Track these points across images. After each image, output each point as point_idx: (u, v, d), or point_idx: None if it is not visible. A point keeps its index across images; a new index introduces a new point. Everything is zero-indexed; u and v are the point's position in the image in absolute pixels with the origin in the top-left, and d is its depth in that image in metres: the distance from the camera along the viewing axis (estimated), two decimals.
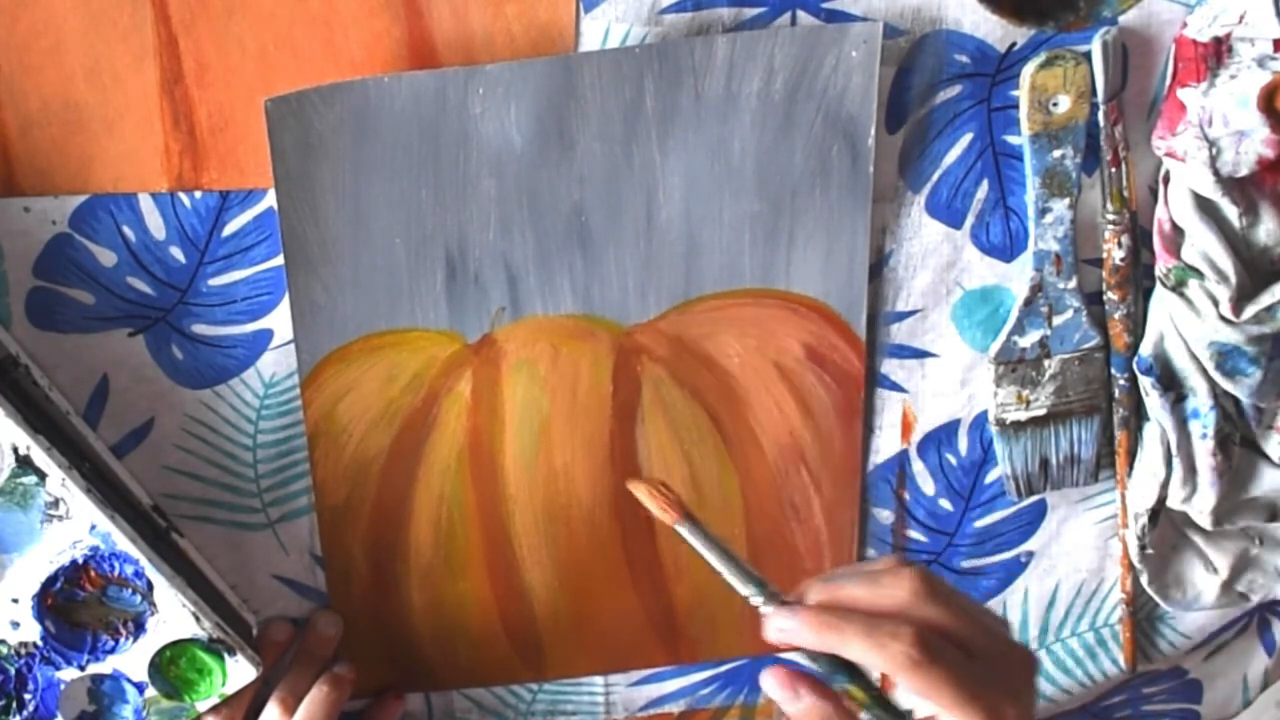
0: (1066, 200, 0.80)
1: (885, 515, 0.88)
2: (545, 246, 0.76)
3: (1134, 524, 0.88)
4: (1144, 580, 0.90)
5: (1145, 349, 0.83)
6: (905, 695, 0.65)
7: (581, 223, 0.76)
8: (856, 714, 0.65)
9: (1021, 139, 0.79)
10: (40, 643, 0.76)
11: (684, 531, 0.69)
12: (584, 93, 0.72)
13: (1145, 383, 0.83)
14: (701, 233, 0.77)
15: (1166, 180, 0.80)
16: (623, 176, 0.75)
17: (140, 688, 0.78)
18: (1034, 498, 0.89)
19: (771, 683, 0.66)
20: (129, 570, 0.76)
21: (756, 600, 0.66)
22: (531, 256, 0.76)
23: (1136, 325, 0.84)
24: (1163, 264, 0.81)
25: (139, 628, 0.77)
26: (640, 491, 0.72)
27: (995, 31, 0.76)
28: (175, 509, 0.80)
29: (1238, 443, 0.86)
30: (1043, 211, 0.80)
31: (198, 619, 0.77)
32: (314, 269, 0.74)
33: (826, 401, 0.83)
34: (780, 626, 0.65)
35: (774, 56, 0.73)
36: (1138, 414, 0.86)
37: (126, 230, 0.73)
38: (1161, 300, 0.82)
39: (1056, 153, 0.79)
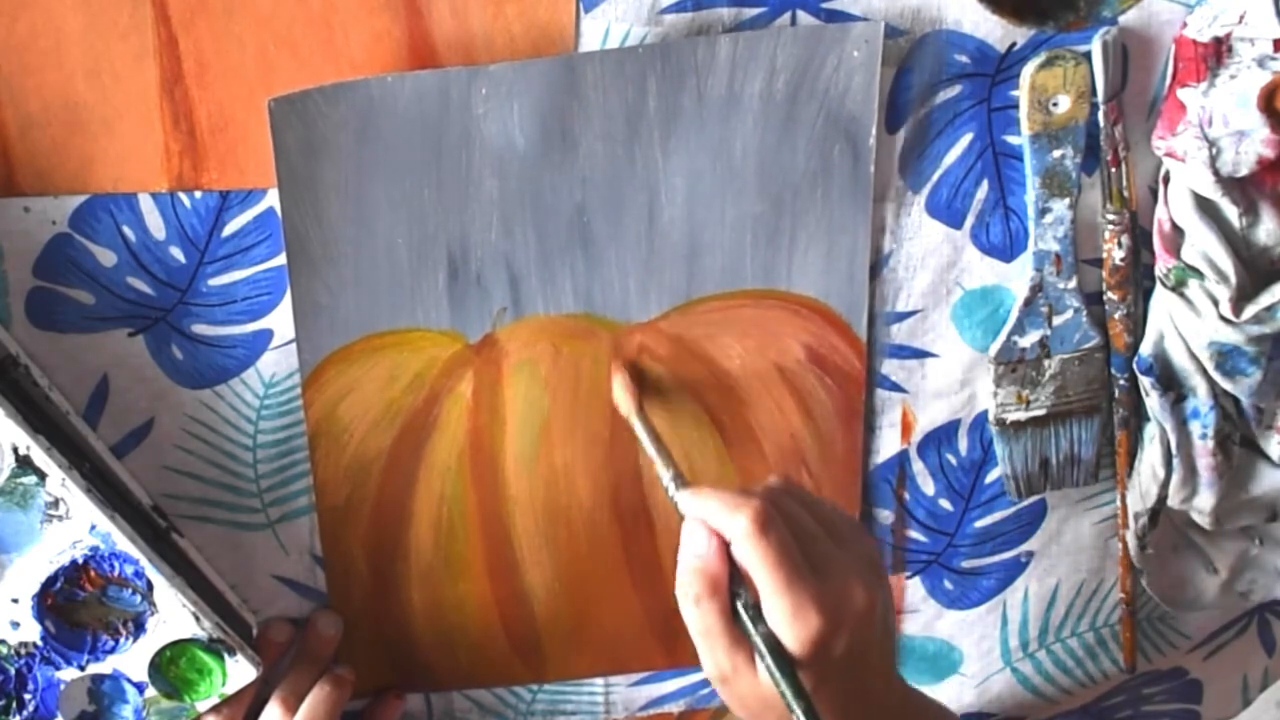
0: (1066, 200, 0.80)
1: (885, 515, 0.88)
2: (547, 247, 0.76)
3: (1134, 524, 0.88)
4: (1144, 580, 0.91)
5: (1145, 349, 0.83)
6: None
7: (583, 223, 0.76)
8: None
9: (1021, 139, 0.79)
10: (40, 643, 0.76)
11: (634, 421, 0.78)
12: (586, 93, 0.72)
13: (1145, 383, 0.83)
14: (703, 233, 0.77)
15: (1166, 180, 0.80)
16: (625, 177, 0.75)
17: (140, 688, 0.78)
18: (1034, 498, 0.89)
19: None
20: (129, 570, 0.76)
21: (668, 484, 0.73)
22: (533, 257, 0.76)
23: (1136, 325, 0.84)
24: (1163, 264, 0.81)
25: (139, 628, 0.77)
26: (618, 378, 0.79)
27: (995, 31, 0.76)
28: (175, 509, 0.80)
29: (1238, 443, 0.86)
30: (1043, 211, 0.80)
31: (198, 619, 0.77)
32: (316, 269, 0.74)
33: (827, 403, 0.83)
34: (680, 499, 0.72)
35: (776, 56, 0.73)
36: (1138, 414, 0.86)
37: (126, 230, 0.73)
38: (1161, 300, 0.82)
39: (1056, 153, 0.79)
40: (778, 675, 0.65)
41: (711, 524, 0.68)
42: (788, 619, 0.65)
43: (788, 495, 0.70)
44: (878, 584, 0.69)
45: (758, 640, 0.66)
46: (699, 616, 0.68)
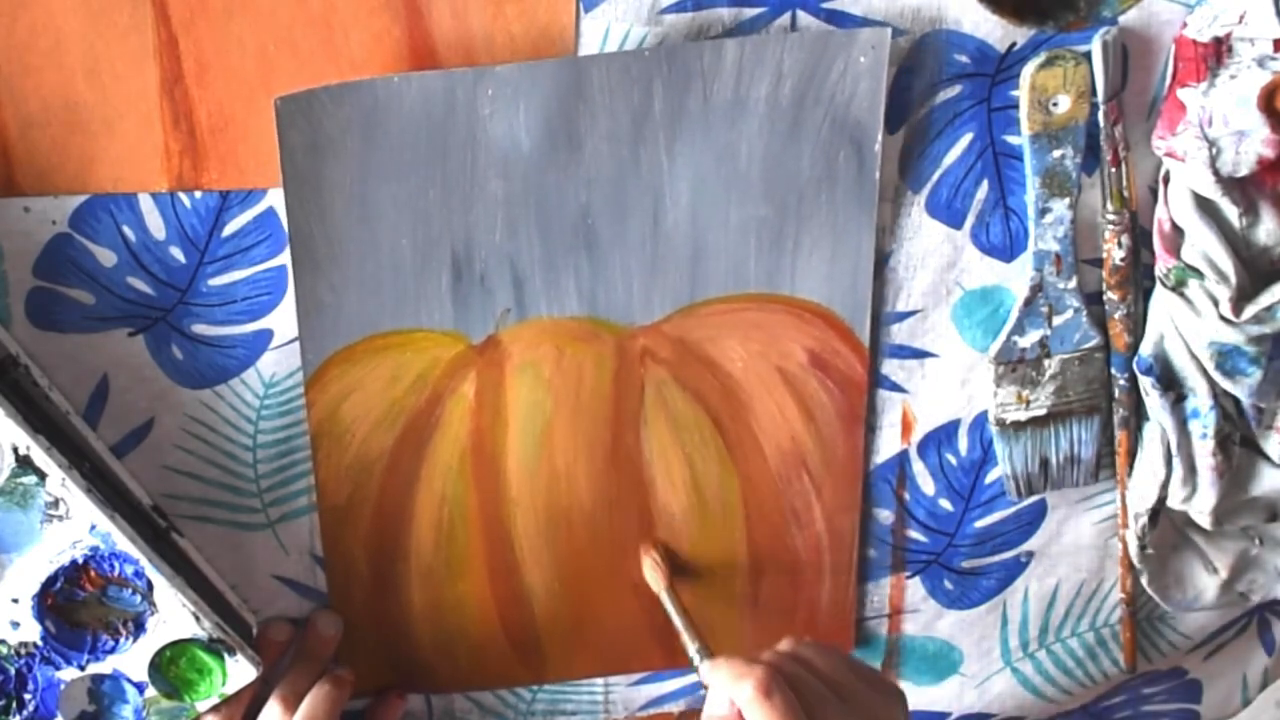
0: (1066, 200, 0.80)
1: (885, 515, 0.88)
2: (551, 248, 0.76)
3: (1134, 524, 0.88)
4: (1144, 580, 0.91)
5: (1145, 349, 0.83)
6: None
7: (588, 225, 0.76)
8: None
9: (1021, 139, 0.79)
10: (40, 643, 0.76)
11: (664, 598, 0.83)
12: (592, 95, 0.72)
13: (1145, 383, 0.84)
14: (707, 236, 0.77)
15: (1166, 180, 0.80)
16: (630, 179, 0.75)
17: (140, 688, 0.78)
18: (1034, 498, 0.89)
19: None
20: (129, 570, 0.76)
21: (693, 655, 0.78)
22: (537, 258, 0.76)
23: (1136, 325, 0.84)
24: (1163, 264, 0.81)
25: (139, 628, 0.77)
26: (646, 558, 0.85)
27: (995, 31, 0.76)
28: (175, 509, 0.80)
29: (1238, 443, 0.86)
30: (1043, 211, 0.80)
31: (198, 619, 0.77)
32: (320, 269, 0.74)
33: (829, 407, 0.83)
34: (701, 670, 0.77)
35: (783, 61, 0.73)
36: (1138, 414, 0.86)
37: (126, 230, 0.73)
38: (1161, 300, 0.82)
39: (1056, 153, 0.79)
40: None
41: (725, 691, 0.72)
42: None
43: (796, 658, 0.74)
44: None
45: None
46: None
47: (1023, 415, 0.85)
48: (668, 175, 0.75)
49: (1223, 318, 0.79)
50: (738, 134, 0.75)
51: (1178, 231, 0.80)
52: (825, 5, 0.73)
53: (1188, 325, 0.81)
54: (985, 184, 0.80)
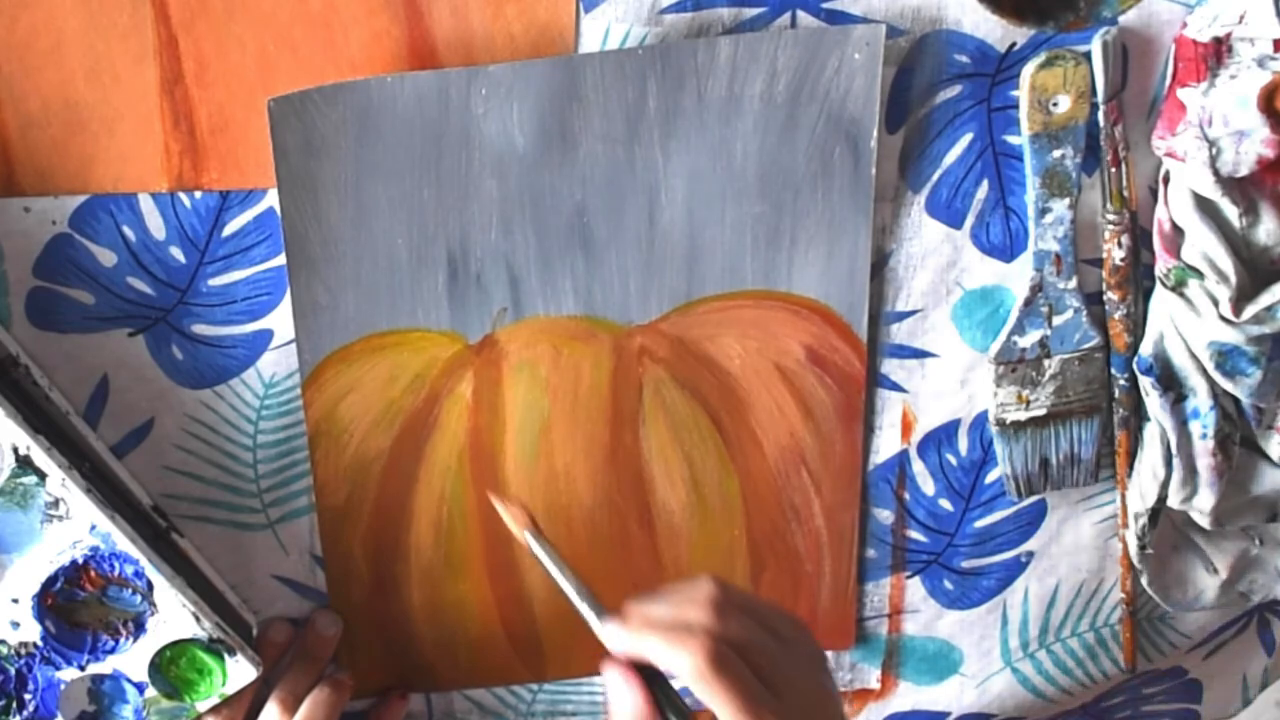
0: (1066, 200, 0.80)
1: (885, 515, 0.88)
2: (547, 247, 0.76)
3: (1134, 524, 0.88)
4: (1144, 580, 0.91)
5: (1145, 349, 0.83)
6: None
7: (583, 224, 0.76)
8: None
9: (1021, 139, 0.79)
10: (40, 643, 0.76)
11: (530, 541, 0.73)
12: (586, 94, 0.72)
13: (1145, 383, 0.83)
14: (703, 234, 0.77)
15: (1166, 180, 0.80)
16: (625, 178, 0.75)
17: (140, 688, 0.78)
18: (1034, 498, 0.89)
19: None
20: (129, 570, 0.76)
21: (585, 609, 0.70)
22: (533, 257, 0.76)
23: (1136, 325, 0.84)
24: (1163, 264, 0.81)
25: (139, 628, 0.77)
26: (496, 502, 0.75)
27: (995, 31, 0.76)
28: (175, 509, 0.80)
29: (1238, 443, 0.86)
30: (1043, 211, 0.80)
31: (198, 619, 0.77)
32: (316, 269, 0.74)
33: (827, 403, 0.83)
34: (605, 634, 0.68)
35: (777, 58, 0.73)
36: (1138, 414, 0.86)
37: (126, 230, 0.73)
38: (1161, 300, 0.82)
39: (1056, 153, 0.79)
40: None
41: (657, 663, 0.67)
42: None
43: (729, 608, 0.67)
44: (829, 678, 0.69)
45: None
46: None
47: (1023, 415, 0.85)
48: (663, 173, 0.75)
49: (1223, 318, 0.79)
50: (732, 131, 0.75)
51: (1178, 231, 0.80)
52: (825, 5, 0.73)
53: (1188, 325, 0.81)
54: (985, 184, 0.80)
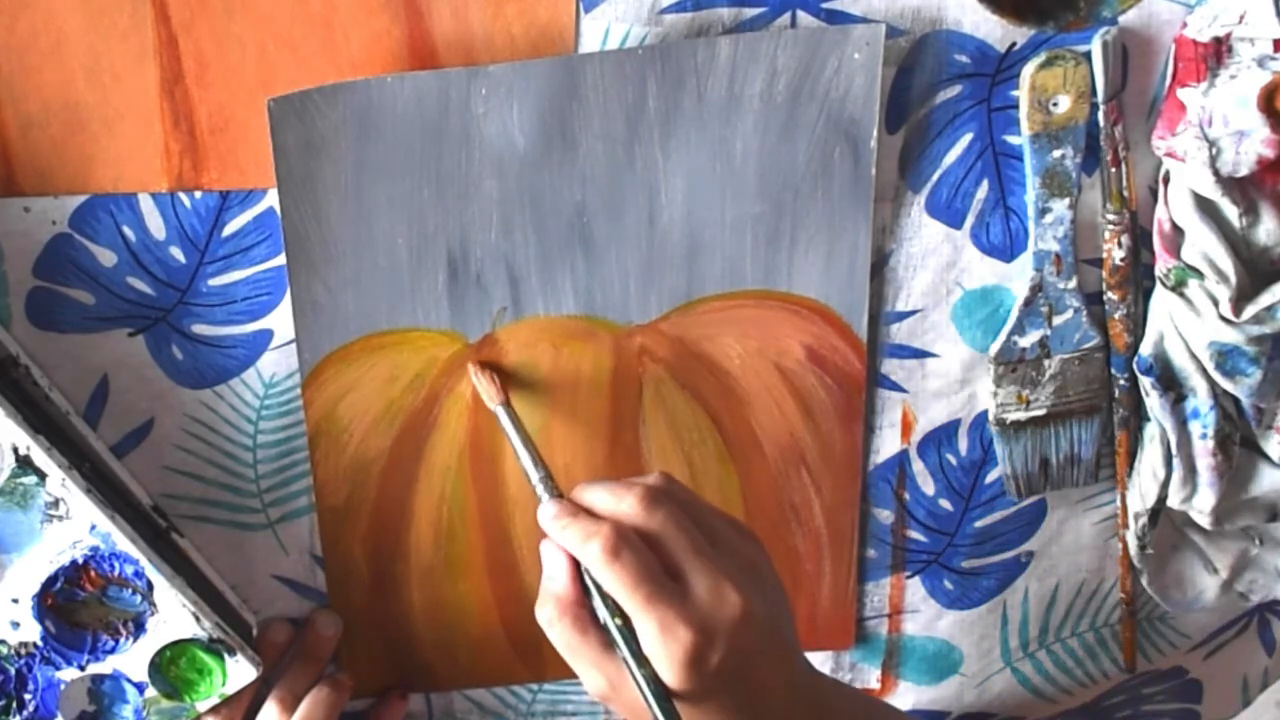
0: (1066, 200, 0.80)
1: (885, 515, 0.88)
2: (547, 247, 0.76)
3: (1134, 524, 0.88)
4: (1144, 580, 0.91)
5: (1145, 349, 0.83)
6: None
7: (583, 223, 0.76)
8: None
9: (1021, 139, 0.79)
10: (40, 643, 0.77)
11: (500, 413, 0.76)
12: (586, 93, 0.72)
13: (1145, 383, 0.83)
14: (703, 234, 0.77)
15: (1166, 180, 0.80)
16: (625, 177, 0.75)
17: (140, 688, 0.79)
18: (1034, 498, 0.89)
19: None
20: (129, 570, 0.76)
21: (537, 486, 0.72)
22: (533, 257, 0.76)
23: (1136, 325, 0.84)
24: (1163, 264, 0.81)
25: (139, 628, 0.77)
26: (472, 372, 0.78)
27: (995, 31, 0.76)
28: (175, 509, 0.80)
29: (1238, 443, 0.86)
30: (1043, 211, 0.80)
31: (198, 619, 0.77)
32: (316, 268, 0.74)
33: (827, 403, 0.83)
34: (540, 513, 0.71)
35: (776, 58, 0.73)
36: (1138, 414, 0.86)
37: (126, 230, 0.73)
38: (1161, 300, 0.82)
39: (1056, 153, 0.79)
40: (645, 693, 0.65)
41: (568, 549, 0.68)
42: (655, 637, 0.64)
43: (656, 501, 0.68)
44: (756, 587, 0.68)
45: (625, 656, 0.66)
46: (556, 637, 0.68)
47: (1023, 415, 0.85)
48: (663, 173, 0.75)
49: (1223, 318, 0.79)
50: (732, 131, 0.75)
51: (1178, 231, 0.80)
52: (825, 5, 0.73)
53: (1188, 325, 0.81)
54: (985, 184, 0.80)
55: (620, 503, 0.68)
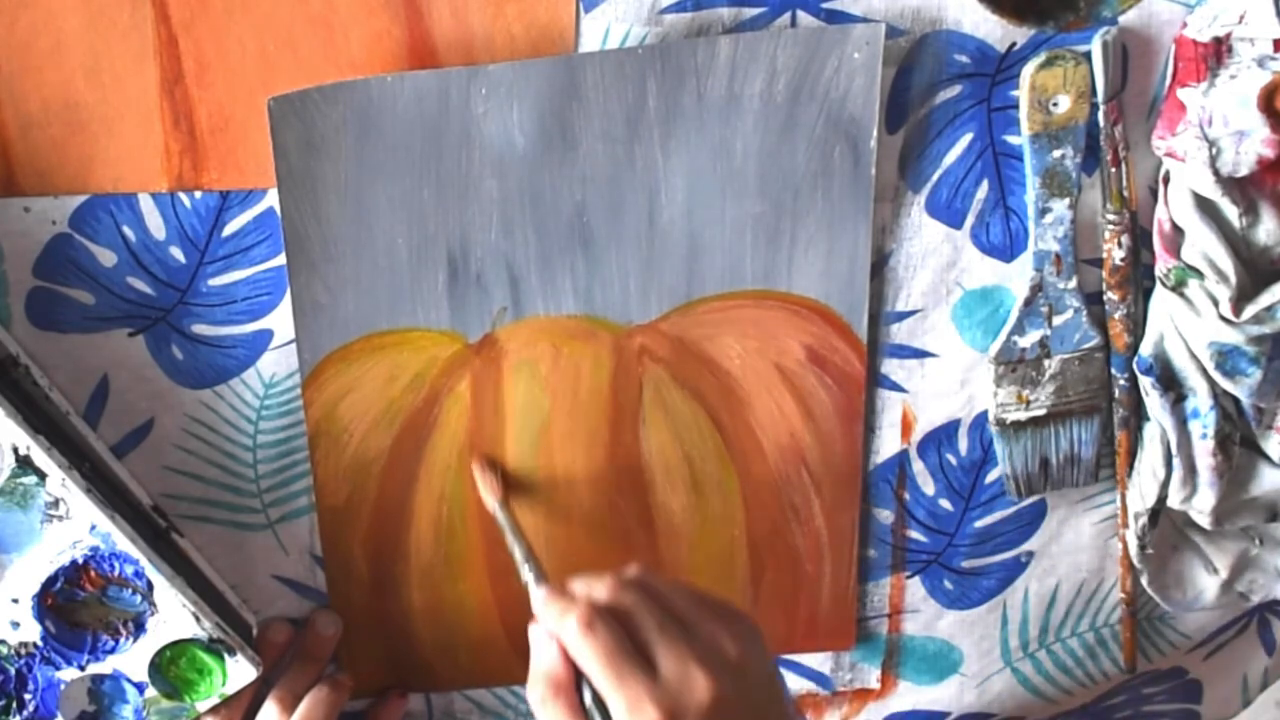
0: (1066, 200, 0.80)
1: (885, 515, 0.88)
2: (547, 247, 0.76)
3: (1134, 524, 0.88)
4: (1144, 580, 0.91)
5: (1145, 349, 0.83)
6: None
7: (583, 223, 0.76)
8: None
9: (1021, 139, 0.79)
10: (40, 643, 0.77)
11: (496, 511, 0.80)
12: (586, 93, 0.72)
13: (1145, 383, 0.83)
14: (703, 234, 0.77)
15: (1166, 180, 0.80)
16: (625, 177, 0.75)
17: (140, 688, 0.79)
18: (1034, 498, 0.89)
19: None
20: (129, 570, 0.76)
21: (529, 580, 0.75)
22: (533, 257, 0.76)
23: (1136, 325, 0.84)
24: (1163, 264, 0.81)
25: (139, 628, 0.77)
26: (476, 470, 0.81)
27: (995, 31, 0.76)
28: (175, 509, 0.80)
29: (1238, 443, 0.86)
30: (1043, 211, 0.80)
31: (198, 619, 0.77)
32: (315, 268, 0.74)
33: (827, 403, 0.83)
34: (533, 599, 0.74)
35: (776, 58, 0.73)
36: (1138, 414, 0.86)
37: (126, 230, 0.73)
38: (1161, 300, 0.82)
39: (1056, 153, 0.79)
40: None
41: (548, 626, 0.70)
42: (625, 714, 0.66)
43: (629, 585, 0.71)
44: (730, 673, 0.68)
45: None
46: (547, 717, 0.69)
47: (1023, 415, 0.85)
48: (663, 173, 0.75)
49: (1223, 318, 0.79)
50: (732, 131, 0.75)
51: (1178, 231, 0.80)
52: (825, 5, 0.73)
53: (1188, 325, 0.81)
54: (985, 184, 0.80)
55: (596, 585, 0.71)
